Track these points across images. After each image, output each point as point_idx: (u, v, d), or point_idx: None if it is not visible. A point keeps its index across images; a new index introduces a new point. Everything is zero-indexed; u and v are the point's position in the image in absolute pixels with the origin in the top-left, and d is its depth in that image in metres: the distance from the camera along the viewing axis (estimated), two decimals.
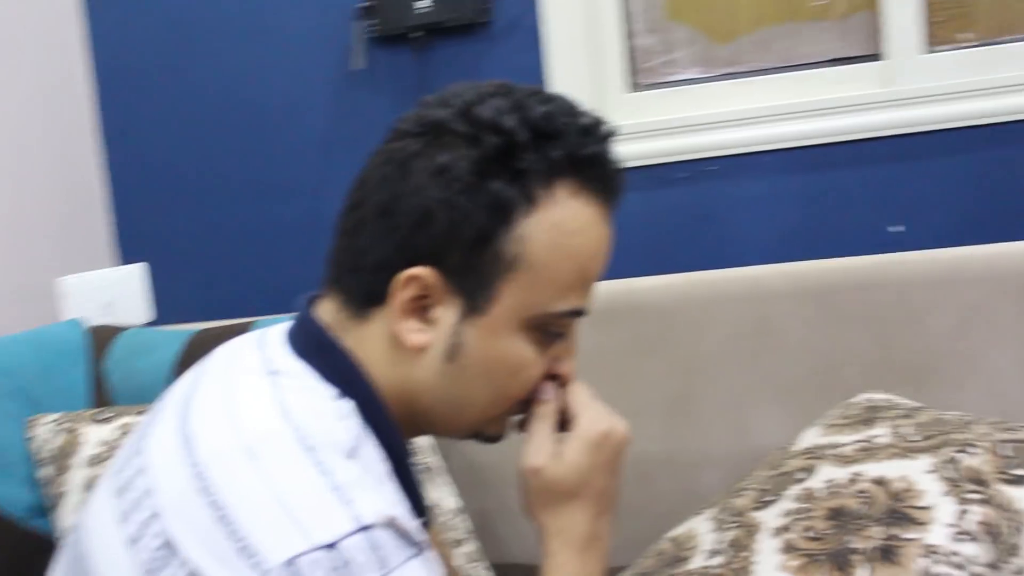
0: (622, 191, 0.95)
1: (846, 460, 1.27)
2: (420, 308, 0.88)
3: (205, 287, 2.33)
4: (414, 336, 0.88)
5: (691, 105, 2.12)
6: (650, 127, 2.12)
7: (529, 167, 0.85)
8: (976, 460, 1.17)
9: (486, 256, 0.85)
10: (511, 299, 0.86)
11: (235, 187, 2.29)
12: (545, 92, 0.91)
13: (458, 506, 1.71)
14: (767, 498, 1.29)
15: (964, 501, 1.13)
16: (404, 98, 2.17)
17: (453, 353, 0.88)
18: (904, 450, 1.24)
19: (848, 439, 1.32)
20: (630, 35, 2.15)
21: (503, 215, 0.85)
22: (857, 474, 1.23)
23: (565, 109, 0.89)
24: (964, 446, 1.20)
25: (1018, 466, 1.14)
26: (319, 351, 0.89)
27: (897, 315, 1.74)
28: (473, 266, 0.85)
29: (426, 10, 2.05)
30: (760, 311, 1.77)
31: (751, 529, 1.25)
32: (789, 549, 1.18)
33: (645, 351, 1.81)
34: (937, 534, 1.11)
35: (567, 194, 0.87)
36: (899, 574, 1.09)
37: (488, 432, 0.97)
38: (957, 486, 1.15)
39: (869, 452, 1.27)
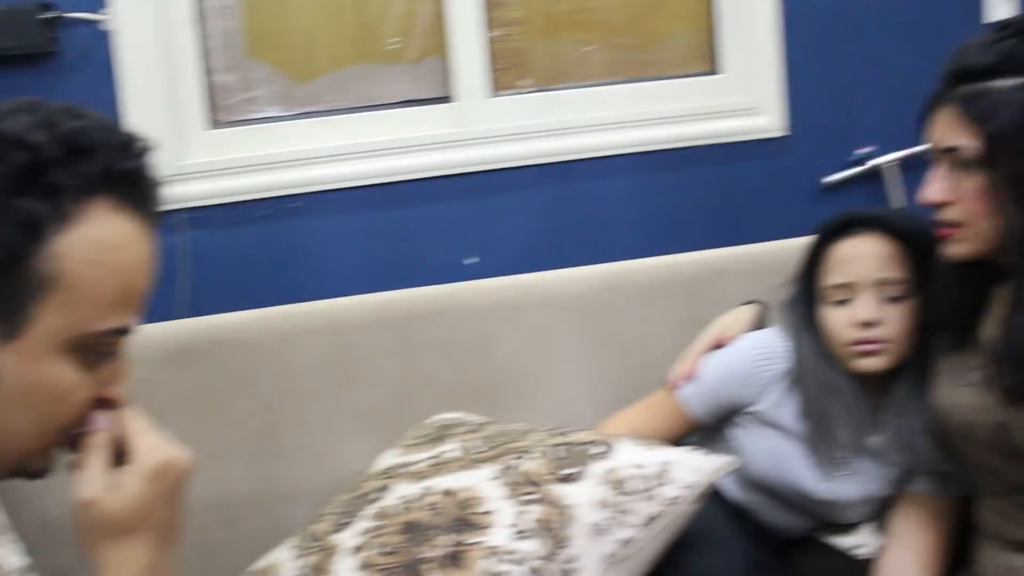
0: (161, 207, 0.93)
1: (418, 476, 1.33)
2: None
3: None
4: None
5: (272, 143, 2.13)
6: (231, 164, 2.10)
7: (61, 183, 0.81)
8: (532, 464, 1.26)
9: (17, 276, 0.80)
10: (49, 320, 0.81)
11: None
12: (77, 108, 0.87)
13: (25, 565, 1.57)
14: (344, 520, 1.31)
15: (522, 503, 1.22)
16: None
17: None
18: (470, 461, 1.31)
19: (420, 456, 1.38)
20: (209, 72, 2.12)
21: (33, 233, 0.80)
22: (428, 488, 1.29)
23: (99, 124, 0.86)
24: (522, 453, 1.29)
25: (568, 466, 1.25)
26: None
27: (469, 340, 1.84)
28: (3, 288, 0.80)
29: None
30: (341, 342, 1.81)
31: (330, 552, 1.26)
32: (366, 566, 1.20)
33: (228, 388, 1.78)
34: (498, 535, 1.18)
35: (105, 210, 0.84)
36: (465, 575, 1.15)
37: (32, 467, 0.91)
38: (516, 489, 1.23)
39: (439, 467, 1.33)
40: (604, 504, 1.21)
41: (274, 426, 1.80)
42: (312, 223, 2.14)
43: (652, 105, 2.29)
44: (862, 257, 1.45)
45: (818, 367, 1.47)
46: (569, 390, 1.86)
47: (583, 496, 1.22)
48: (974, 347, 1.35)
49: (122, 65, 2.01)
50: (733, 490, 1.57)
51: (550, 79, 2.27)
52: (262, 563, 1.36)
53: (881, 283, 1.43)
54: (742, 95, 2.31)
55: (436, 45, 2.19)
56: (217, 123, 2.13)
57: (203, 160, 2.10)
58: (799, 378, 1.49)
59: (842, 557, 1.53)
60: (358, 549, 1.24)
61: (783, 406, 1.51)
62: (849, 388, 1.47)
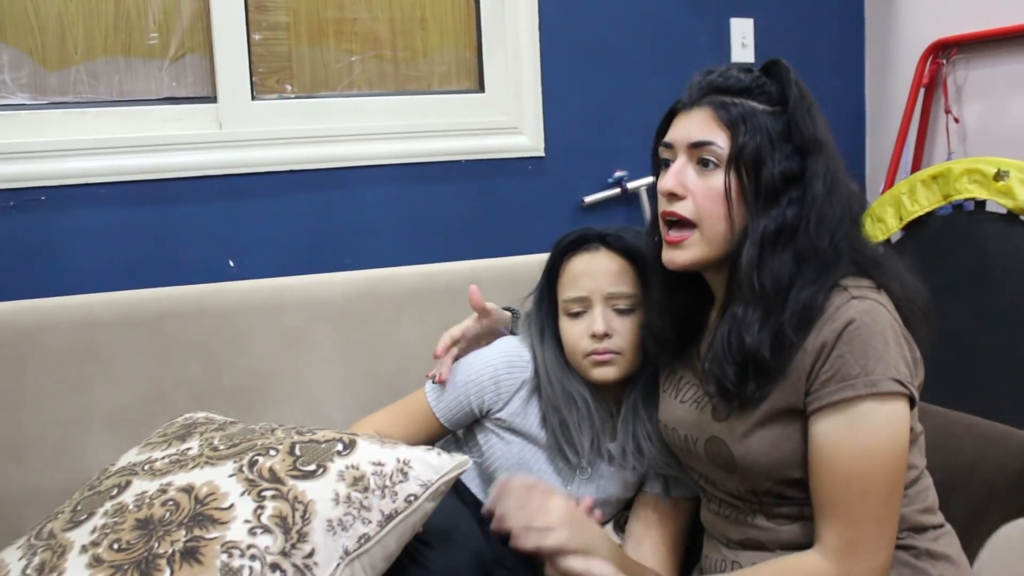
0: None
1: (158, 473, 1.31)
2: None
3: None
4: None
5: (18, 131, 2.05)
6: None
7: None
8: (273, 461, 1.28)
9: None
10: None
11: None
12: None
13: None
14: (80, 517, 1.28)
15: (260, 498, 1.23)
16: None
17: None
18: (211, 458, 1.31)
19: (162, 454, 1.37)
20: None
21: None
22: (167, 484, 1.28)
23: None
24: (265, 450, 1.31)
25: (309, 463, 1.28)
26: None
27: (223, 341, 1.83)
28: None
29: None
30: (87, 339, 1.75)
31: (62, 549, 1.24)
32: (97, 562, 1.18)
33: None
34: (236, 530, 1.19)
35: None
36: (201, 572, 1.15)
37: None
38: (255, 485, 1.25)
39: (180, 463, 1.32)
40: (343, 500, 1.24)
41: (13, 425, 1.72)
42: (60, 217, 2.07)
43: (416, 118, 2.35)
44: (594, 272, 1.54)
45: (558, 376, 1.56)
46: (322, 393, 1.88)
47: (323, 492, 1.24)
48: (692, 362, 1.46)
49: None
50: (481, 492, 1.63)
51: (314, 86, 2.28)
52: None
53: (611, 297, 1.53)
54: (504, 114, 2.40)
55: (198, 43, 2.17)
56: None
57: None
58: (540, 386, 1.57)
59: None
60: (90, 546, 1.22)
61: (526, 413, 1.59)
62: (586, 396, 1.55)
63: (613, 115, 2.56)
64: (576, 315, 1.54)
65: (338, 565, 1.22)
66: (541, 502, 1.34)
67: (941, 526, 1.39)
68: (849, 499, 1.25)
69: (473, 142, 2.40)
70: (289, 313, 1.88)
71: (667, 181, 1.35)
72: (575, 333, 1.53)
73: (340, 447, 1.30)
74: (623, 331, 1.52)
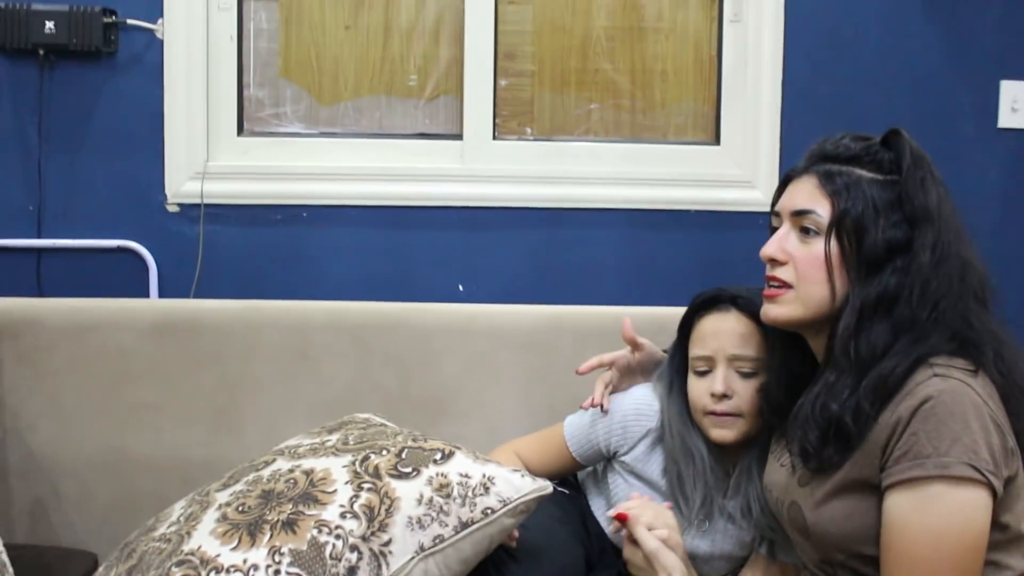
0: None
1: (296, 456, 1.52)
2: None
3: None
4: None
5: (292, 156, 2.38)
6: (253, 171, 2.36)
7: None
8: (381, 459, 1.45)
9: None
10: None
11: None
12: None
13: None
14: (230, 483, 1.52)
15: (359, 488, 1.40)
16: (25, 109, 2.30)
17: None
18: (339, 451, 1.50)
19: (309, 441, 1.57)
20: (244, 86, 2.39)
21: None
22: (297, 466, 1.48)
23: None
24: (380, 449, 1.47)
25: (407, 465, 1.43)
26: None
27: (417, 355, 2.03)
28: None
29: (52, 32, 2.20)
30: (302, 340, 2.02)
31: (207, 505, 1.47)
32: (223, 519, 1.41)
33: (199, 364, 2.01)
34: (331, 512, 1.37)
35: None
36: (293, 540, 1.34)
37: None
38: (359, 477, 1.42)
39: (315, 451, 1.52)
40: (426, 502, 1.38)
41: (234, 403, 2.02)
42: (318, 232, 2.38)
43: (649, 166, 2.45)
44: (721, 332, 1.57)
45: (679, 430, 1.60)
46: (501, 414, 2.03)
47: (410, 491, 1.39)
48: None
49: (169, 71, 2.29)
50: (607, 527, 1.71)
51: (552, 131, 2.45)
52: (167, 509, 1.57)
53: (735, 359, 1.55)
54: (739, 167, 2.44)
55: (451, 86, 2.41)
56: (246, 132, 2.39)
57: (229, 163, 2.36)
58: (663, 437, 1.63)
59: None
60: (224, 505, 1.44)
61: (650, 460, 1.64)
62: (703, 453, 1.58)
63: None
64: (702, 373, 1.58)
65: (412, 558, 1.35)
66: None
67: None
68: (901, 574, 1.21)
69: (705, 193, 2.45)
70: (479, 337, 2.04)
71: (768, 247, 1.38)
72: (698, 390, 1.57)
73: (439, 456, 1.44)
74: (744, 393, 1.54)
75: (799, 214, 1.36)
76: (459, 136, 2.41)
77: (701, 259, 2.47)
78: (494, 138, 2.42)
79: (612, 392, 1.71)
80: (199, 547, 1.37)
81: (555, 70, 2.43)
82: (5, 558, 1.66)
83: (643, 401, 1.66)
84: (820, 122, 2.48)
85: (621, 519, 1.44)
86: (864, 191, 1.32)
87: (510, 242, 2.43)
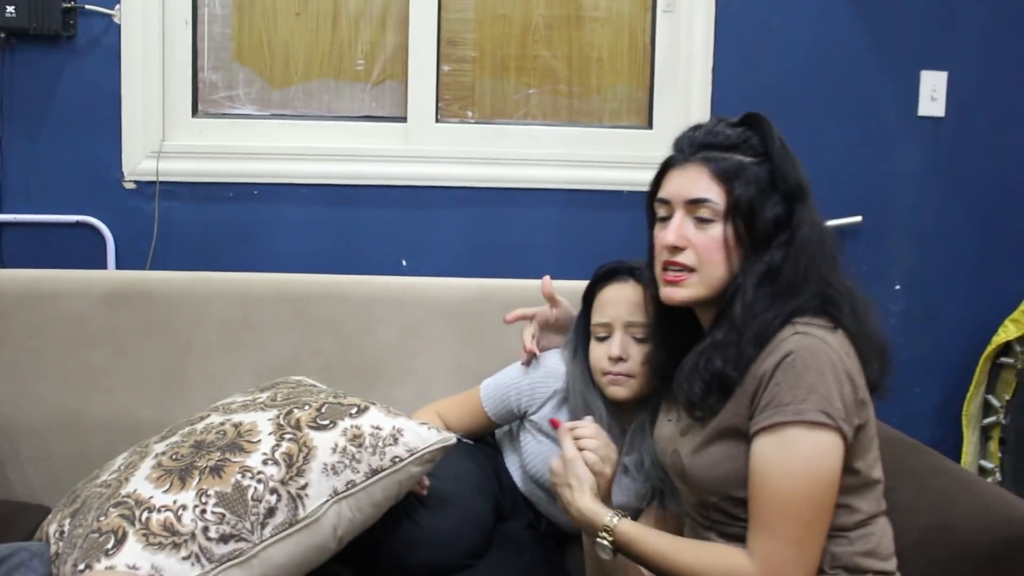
0: None
1: (228, 411, 1.65)
2: None
3: None
4: None
5: (244, 136, 2.50)
6: (207, 150, 2.48)
7: None
8: (303, 413, 1.58)
9: None
10: None
11: None
12: None
13: None
14: (168, 435, 1.65)
15: (280, 439, 1.53)
16: None
17: None
18: (266, 406, 1.63)
19: (242, 399, 1.71)
20: (198, 69, 2.51)
21: None
22: (227, 419, 1.61)
23: None
24: (303, 405, 1.61)
25: (325, 418, 1.56)
26: None
27: (355, 325, 2.16)
28: None
29: (12, 15, 2.31)
30: (247, 309, 2.14)
31: (145, 454, 1.61)
32: (157, 467, 1.54)
33: (149, 332, 2.14)
34: (254, 459, 1.50)
35: None
36: (219, 484, 1.47)
37: None
38: (281, 429, 1.55)
39: (246, 407, 1.65)
40: (339, 451, 1.52)
41: (182, 368, 2.14)
42: (268, 209, 2.51)
43: (585, 148, 2.57)
44: (619, 301, 1.71)
45: (581, 390, 1.74)
46: (432, 379, 2.16)
47: (326, 441, 1.52)
48: None
49: (126, 54, 2.41)
50: (519, 481, 1.85)
51: (492, 114, 2.58)
52: (111, 461, 1.71)
53: (631, 325, 1.69)
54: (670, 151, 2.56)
55: (396, 71, 2.53)
56: (200, 113, 2.51)
57: (184, 143, 2.49)
58: (567, 397, 1.77)
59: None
60: (160, 455, 1.58)
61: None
62: (604, 411, 1.72)
63: None
64: (602, 339, 1.71)
65: (327, 501, 1.49)
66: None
67: (889, 573, 1.44)
68: (771, 515, 1.35)
69: (638, 175, 2.55)
70: (413, 307, 2.17)
71: (669, 236, 1.48)
72: (597, 354, 1.71)
73: (354, 410, 1.58)
74: (637, 357, 1.67)
75: (695, 203, 1.47)
76: (403, 119, 2.53)
77: (633, 238, 2.59)
78: (437, 121, 2.54)
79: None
80: (135, 490, 1.50)
81: (495, 56, 2.56)
82: None
83: (551, 365, 1.79)
84: (747, 108, 2.59)
85: (554, 424, 1.56)
86: (749, 175, 1.44)
87: (452, 220, 2.56)
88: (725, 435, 1.42)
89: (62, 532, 1.55)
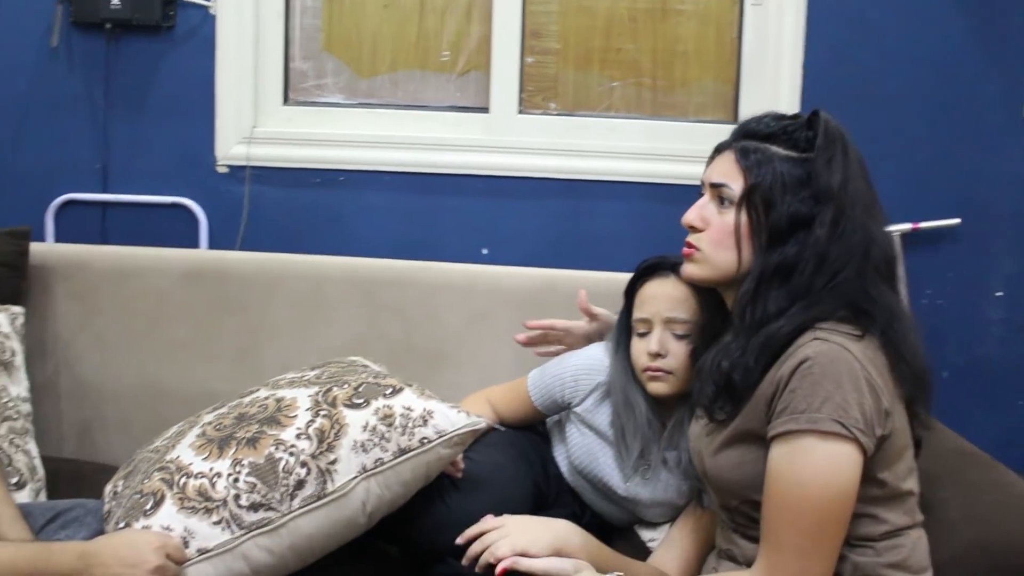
0: None
1: (276, 387, 1.71)
2: None
3: None
4: None
5: (332, 124, 2.58)
6: (296, 137, 2.57)
7: None
8: (340, 392, 1.62)
9: None
10: None
11: None
12: None
13: (23, 396, 2.06)
14: (219, 407, 1.72)
15: (316, 415, 1.58)
16: (95, 76, 2.55)
17: None
18: (310, 383, 1.68)
19: (291, 375, 1.76)
20: (289, 59, 2.59)
21: None
22: (272, 394, 1.67)
23: None
24: (343, 384, 1.65)
25: (360, 397, 1.60)
26: None
27: (421, 310, 2.20)
28: None
29: (117, 7, 2.44)
30: (317, 291, 2.21)
31: (194, 423, 1.68)
32: (201, 436, 1.61)
33: (225, 310, 2.23)
34: (288, 433, 1.55)
35: None
36: (252, 454, 1.53)
37: None
38: (318, 406, 1.60)
39: (293, 383, 1.71)
40: (370, 429, 1.55)
41: (254, 345, 2.23)
42: (353, 195, 2.58)
43: (667, 143, 2.55)
44: (659, 297, 1.69)
45: (622, 384, 1.73)
46: (494, 366, 2.18)
47: (358, 419, 1.56)
48: None
49: (221, 44, 2.51)
50: (566, 472, 1.86)
51: (575, 106, 2.58)
52: (167, 432, 1.79)
53: (671, 321, 1.67)
54: None
55: (481, 63, 2.56)
56: (290, 101, 2.60)
57: (275, 130, 2.58)
58: (609, 391, 1.76)
59: (641, 547, 1.79)
60: (206, 424, 1.65)
61: (598, 412, 1.78)
62: (643, 407, 1.71)
63: (874, 162, 2.55)
64: (642, 335, 1.70)
65: (355, 477, 1.53)
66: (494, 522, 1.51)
67: None
68: (779, 525, 1.32)
69: None
70: (479, 295, 2.20)
71: (688, 214, 1.49)
72: (637, 349, 1.70)
73: (389, 391, 1.61)
74: (678, 352, 1.66)
75: (715, 186, 1.46)
76: (486, 109, 2.56)
77: None
78: (519, 112, 2.55)
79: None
80: (178, 456, 1.58)
81: (579, 48, 2.56)
82: (37, 463, 1.91)
83: (595, 357, 1.80)
84: (839, 105, 2.49)
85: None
86: (775, 167, 1.41)
87: (531, 210, 2.57)
88: (744, 439, 1.40)
89: (115, 492, 1.64)
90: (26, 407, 1.97)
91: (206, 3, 2.49)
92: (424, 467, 1.57)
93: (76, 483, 2.01)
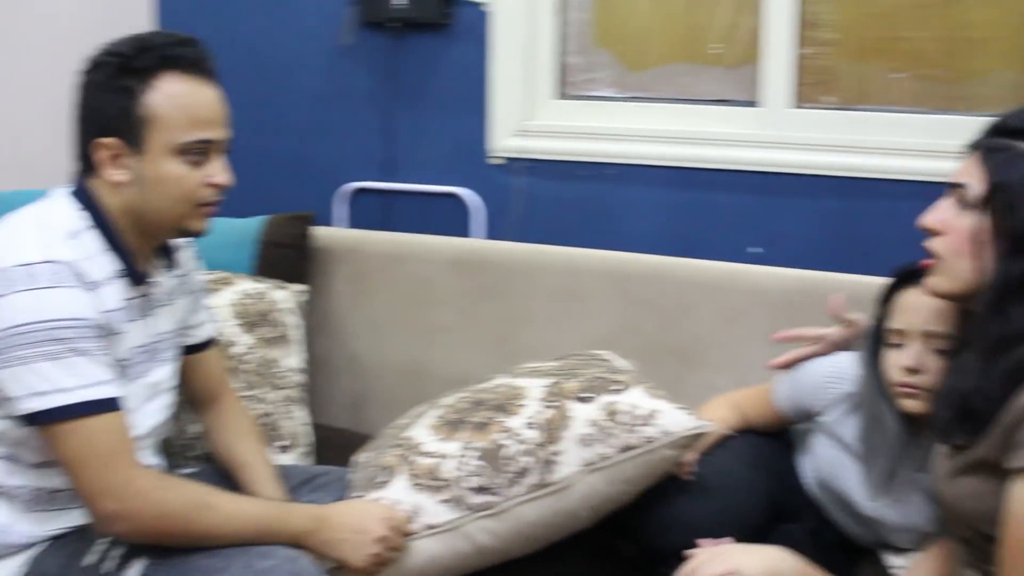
0: (205, 66, 1.48)
1: (516, 375, 1.76)
2: (115, 159, 1.44)
3: None
4: (116, 176, 1.44)
5: (603, 118, 2.60)
6: (568, 130, 2.61)
7: (140, 66, 1.41)
8: (571, 385, 1.64)
9: (132, 120, 1.40)
10: (157, 140, 1.41)
11: (240, 121, 2.86)
12: (160, 30, 1.45)
13: (297, 368, 2.22)
14: (461, 391, 1.79)
15: (544, 407, 1.60)
16: (381, 72, 2.72)
17: (139, 180, 1.43)
18: (546, 374, 1.71)
19: (535, 365, 1.81)
20: (562, 53, 2.64)
21: (131, 95, 1.40)
22: (510, 382, 1.72)
23: (163, 34, 1.47)
24: (576, 377, 1.67)
25: (588, 391, 1.61)
26: (74, 191, 1.48)
27: (676, 306, 2.18)
28: (128, 127, 1.41)
29: (401, 6, 2.59)
30: (574, 283, 2.24)
31: (436, 405, 1.76)
32: (439, 418, 1.68)
33: (486, 297, 2.31)
34: (516, 421, 1.59)
35: (169, 76, 1.42)
36: (481, 439, 1.58)
37: (189, 227, 1.51)
38: (548, 397, 1.62)
39: (532, 373, 1.75)
40: (594, 424, 1.56)
41: (513, 334, 2.30)
42: (620, 189, 2.59)
43: (956, 138, 2.36)
44: (917, 307, 1.54)
45: (871, 398, 1.61)
46: (750, 369, 2.10)
47: (584, 414, 1.57)
48: None
49: (495, 40, 2.59)
50: (812, 483, 1.77)
51: (855, 99, 2.45)
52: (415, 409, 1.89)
53: (929, 335, 1.53)
54: None
55: (752, 54, 2.48)
56: (563, 95, 2.65)
57: (547, 123, 2.63)
58: (858, 404, 1.65)
59: (883, 572, 1.68)
60: (446, 407, 1.72)
61: (845, 424, 1.67)
62: (895, 424, 1.58)
63: None
64: (895, 345, 1.58)
65: (578, 470, 1.55)
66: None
67: None
68: (1013, 567, 1.20)
69: None
70: (737, 294, 2.14)
71: (925, 216, 1.37)
72: (890, 362, 1.58)
73: (617, 387, 1.61)
74: (935, 370, 1.52)
75: (955, 187, 1.34)
76: (757, 103, 2.48)
77: None
78: (795, 105, 2.46)
79: None
80: (413, 436, 1.66)
81: (860, 39, 2.42)
82: (306, 430, 2.06)
83: (842, 366, 1.69)
84: None
85: None
86: (1021, 167, 1.28)
87: (804, 209, 2.47)
88: (979, 468, 1.28)
89: (360, 462, 1.74)
90: (299, 378, 2.13)
91: (482, 1, 2.57)
92: (648, 466, 1.55)
93: (343, 451, 2.13)
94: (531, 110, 2.62)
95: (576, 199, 2.62)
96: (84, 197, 1.47)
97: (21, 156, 2.51)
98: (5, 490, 1.44)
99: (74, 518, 1.46)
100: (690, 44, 2.54)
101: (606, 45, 2.60)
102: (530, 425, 1.58)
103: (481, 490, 1.54)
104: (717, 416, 1.74)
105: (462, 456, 1.57)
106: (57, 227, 1.41)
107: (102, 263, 1.44)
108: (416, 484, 1.56)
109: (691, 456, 1.63)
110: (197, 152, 1.45)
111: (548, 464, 1.54)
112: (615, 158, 2.57)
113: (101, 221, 1.46)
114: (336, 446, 2.16)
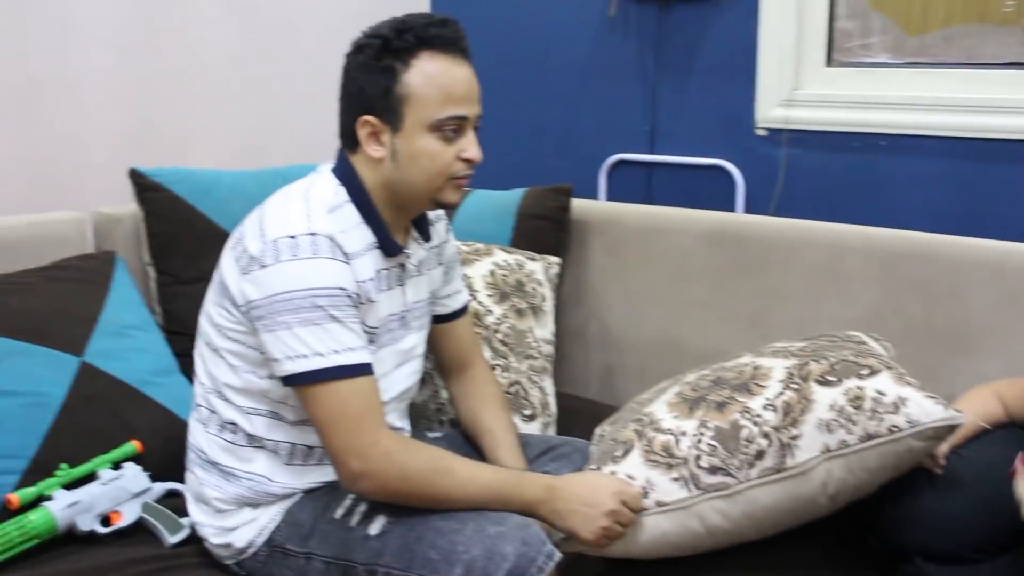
0: (461, 46, 1.53)
1: (761, 354, 1.72)
2: (374, 136, 1.52)
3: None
4: (375, 152, 1.53)
5: (876, 86, 2.47)
6: (838, 99, 2.50)
7: (399, 47, 1.48)
8: (815, 367, 1.58)
9: (391, 98, 1.48)
10: (413, 117, 1.48)
11: (507, 96, 2.95)
12: (417, 13, 1.51)
13: (547, 338, 2.26)
14: (704, 368, 1.77)
15: (786, 388, 1.55)
16: (646, 44, 2.71)
17: (395, 155, 1.51)
18: (792, 355, 1.66)
19: (781, 345, 1.75)
20: (833, 18, 2.52)
21: (392, 75, 1.48)
22: (753, 361, 1.68)
23: (421, 16, 1.52)
24: (821, 359, 1.60)
25: (833, 375, 1.54)
26: (335, 166, 1.58)
27: (944, 288, 2.04)
28: (388, 105, 1.48)
29: None
30: (834, 260, 2.15)
31: (677, 381, 1.75)
32: (679, 394, 1.67)
33: (742, 272, 2.26)
34: (756, 402, 1.55)
35: (426, 55, 1.48)
36: (719, 418, 1.56)
37: (443, 200, 1.58)
38: (791, 379, 1.57)
39: (777, 353, 1.70)
40: (836, 409, 1.49)
41: (768, 310, 2.24)
42: (893, 161, 2.45)
43: None
44: None
45: None
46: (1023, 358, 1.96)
47: (826, 397, 1.50)
48: None
49: (765, 7, 2.52)
50: None
51: None
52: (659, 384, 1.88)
53: None
54: None
55: None
56: (833, 63, 2.53)
57: (816, 92, 2.53)
58: None
59: None
60: (685, 384, 1.71)
61: None
62: None
63: None
64: None
65: (817, 456, 1.49)
66: None
67: None
68: None
69: None
70: (1013, 275, 1.98)
71: None
72: None
73: (865, 371, 1.54)
74: None
75: None
76: None
77: None
78: None
79: None
80: (652, 411, 1.66)
81: None
82: (551, 400, 2.11)
83: None
84: None
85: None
86: None
87: None
88: None
89: (600, 435, 1.77)
90: (548, 348, 2.18)
91: None
92: (892, 457, 1.48)
93: (589, 422, 2.16)
94: (799, 79, 2.53)
95: (842, 172, 2.51)
96: (344, 172, 1.57)
97: (294, 134, 2.71)
98: (267, 444, 1.57)
99: (327, 473, 1.57)
100: (979, 2, 2.34)
101: (883, 8, 2.46)
102: (769, 407, 1.54)
103: (715, 470, 1.52)
104: (976, 407, 1.62)
105: (698, 435, 1.55)
106: (319, 201, 1.52)
107: (359, 235, 1.54)
108: (651, 460, 1.56)
109: (943, 449, 1.54)
110: (451, 128, 1.52)
111: (786, 447, 1.50)
112: (889, 128, 2.44)
113: (359, 195, 1.55)
114: (585, 417, 2.18)
